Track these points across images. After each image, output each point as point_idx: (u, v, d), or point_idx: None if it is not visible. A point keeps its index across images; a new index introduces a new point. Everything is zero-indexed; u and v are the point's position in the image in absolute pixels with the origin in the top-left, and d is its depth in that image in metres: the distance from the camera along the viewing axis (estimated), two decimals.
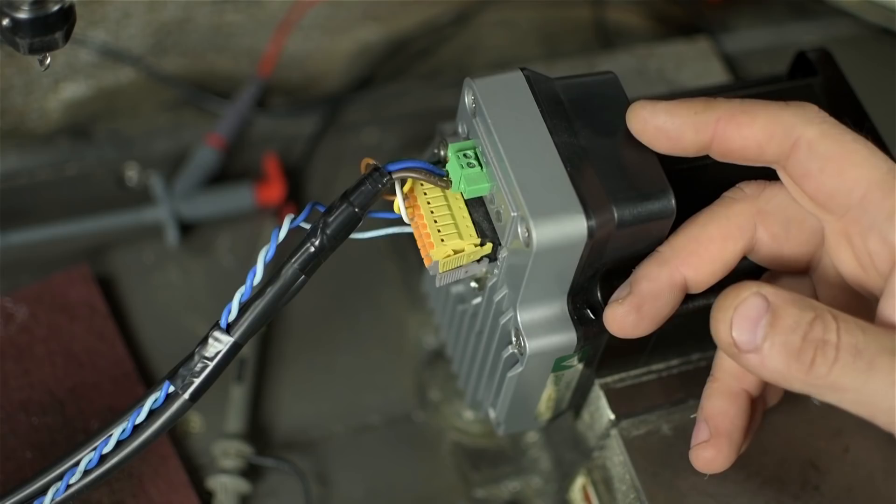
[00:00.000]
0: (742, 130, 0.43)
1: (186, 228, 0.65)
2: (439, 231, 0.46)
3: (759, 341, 0.39)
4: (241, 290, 0.44)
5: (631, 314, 0.44)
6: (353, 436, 0.61)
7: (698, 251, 0.45)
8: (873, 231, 0.42)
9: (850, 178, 0.42)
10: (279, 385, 0.62)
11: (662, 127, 0.44)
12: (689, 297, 0.45)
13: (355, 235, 0.45)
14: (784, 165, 0.43)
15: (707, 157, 0.45)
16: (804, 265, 0.45)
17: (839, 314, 0.39)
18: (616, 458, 0.51)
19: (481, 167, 0.46)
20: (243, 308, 0.44)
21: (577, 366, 0.49)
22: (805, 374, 0.39)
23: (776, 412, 0.50)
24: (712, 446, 0.45)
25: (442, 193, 0.47)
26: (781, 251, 0.45)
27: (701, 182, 0.46)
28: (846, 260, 0.44)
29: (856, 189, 0.42)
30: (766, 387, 0.47)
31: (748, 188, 0.45)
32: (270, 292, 0.44)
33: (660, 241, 0.46)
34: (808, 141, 0.43)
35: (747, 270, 0.47)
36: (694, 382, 0.51)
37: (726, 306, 0.40)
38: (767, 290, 0.39)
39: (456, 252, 0.46)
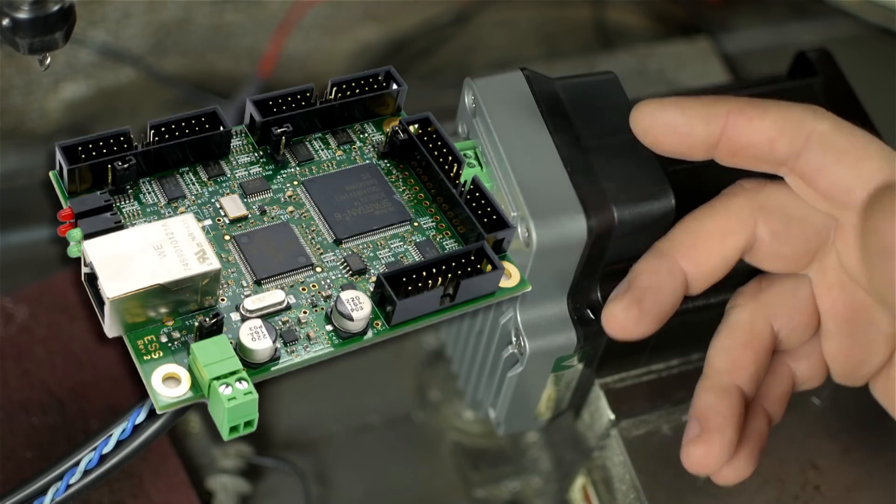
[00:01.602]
0: (753, 123, 0.42)
1: None
2: None
3: None
4: None
5: (632, 309, 0.43)
6: (353, 436, 0.61)
7: (697, 245, 0.44)
8: None
9: (868, 169, 0.42)
10: (279, 385, 0.62)
11: (672, 122, 0.43)
12: (688, 297, 0.45)
13: None
14: (794, 165, 0.43)
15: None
16: (805, 264, 0.45)
17: None
18: (616, 458, 0.51)
19: (481, 167, 0.46)
20: None
21: (577, 366, 0.49)
22: None
23: None
24: (703, 441, 0.43)
25: None
26: (782, 250, 0.44)
27: (701, 182, 0.45)
28: None
29: (874, 180, 0.41)
30: (769, 399, 0.47)
31: (748, 184, 0.45)
32: None
33: None
34: (821, 134, 0.42)
35: (748, 272, 0.47)
36: (694, 382, 0.51)
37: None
38: None
39: None
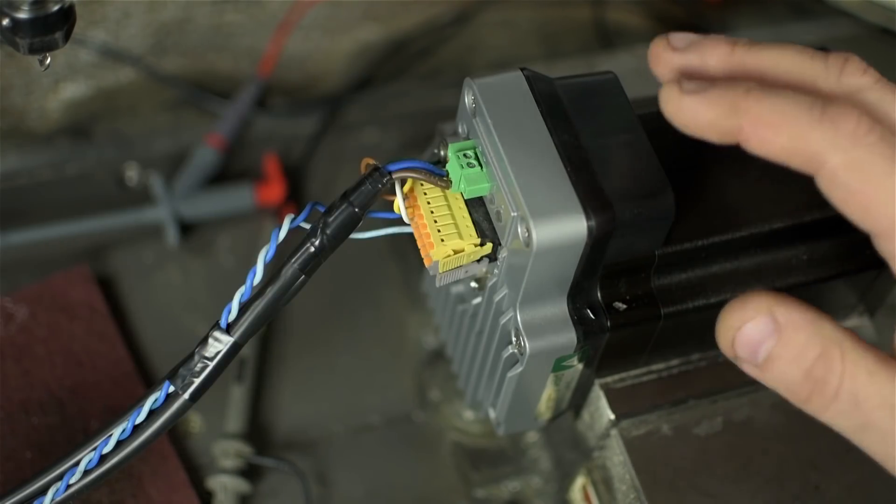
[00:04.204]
0: (764, 146, 0.39)
1: (186, 228, 0.65)
2: (439, 231, 0.46)
3: (759, 362, 0.38)
4: (241, 290, 0.44)
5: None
6: (353, 436, 0.61)
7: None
8: None
9: (875, 214, 0.38)
10: (279, 385, 0.62)
11: (692, 120, 0.40)
12: (689, 296, 0.45)
13: (355, 235, 0.45)
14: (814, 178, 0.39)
15: None
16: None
17: (850, 350, 0.37)
18: (616, 458, 0.51)
19: (481, 167, 0.46)
20: (243, 308, 0.44)
21: (577, 366, 0.49)
22: (802, 404, 0.38)
23: (776, 412, 0.50)
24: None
25: (442, 193, 0.47)
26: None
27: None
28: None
29: (880, 223, 0.38)
30: None
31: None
32: (270, 292, 0.44)
33: (659, 241, 0.46)
34: (831, 170, 0.38)
35: None
36: (694, 382, 0.51)
37: (732, 322, 0.38)
38: (780, 310, 0.37)
39: (456, 252, 0.46)
